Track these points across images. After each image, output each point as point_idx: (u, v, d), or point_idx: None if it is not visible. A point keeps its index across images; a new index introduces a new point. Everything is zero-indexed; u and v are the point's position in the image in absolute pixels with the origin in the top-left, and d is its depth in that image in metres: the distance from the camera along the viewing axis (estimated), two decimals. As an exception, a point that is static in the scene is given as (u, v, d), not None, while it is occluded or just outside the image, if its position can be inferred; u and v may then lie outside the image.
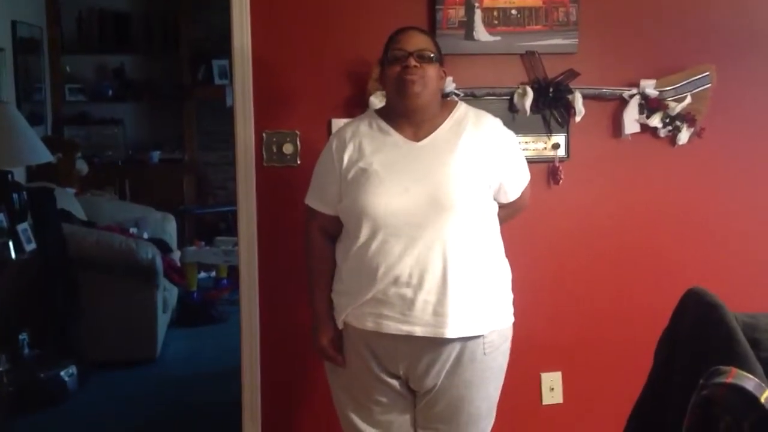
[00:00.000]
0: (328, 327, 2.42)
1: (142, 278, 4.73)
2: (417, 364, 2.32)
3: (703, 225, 3.24)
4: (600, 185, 3.17)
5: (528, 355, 3.13)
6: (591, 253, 3.18)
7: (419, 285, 2.25)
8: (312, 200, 2.46)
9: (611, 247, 3.19)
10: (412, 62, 2.28)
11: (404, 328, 2.27)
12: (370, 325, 2.31)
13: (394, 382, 2.38)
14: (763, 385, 1.45)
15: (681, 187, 3.21)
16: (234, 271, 5.60)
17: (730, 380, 1.46)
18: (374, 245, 2.27)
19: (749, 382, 1.45)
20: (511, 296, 2.45)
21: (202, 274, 6.19)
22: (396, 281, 2.26)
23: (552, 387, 3.21)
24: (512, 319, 2.45)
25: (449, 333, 2.26)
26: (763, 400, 1.50)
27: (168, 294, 5.14)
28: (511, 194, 2.47)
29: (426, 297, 2.25)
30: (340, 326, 2.40)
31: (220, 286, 6.04)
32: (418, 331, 2.26)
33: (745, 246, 3.26)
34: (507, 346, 2.44)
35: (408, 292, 2.25)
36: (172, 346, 5.04)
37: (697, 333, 1.74)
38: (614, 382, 3.17)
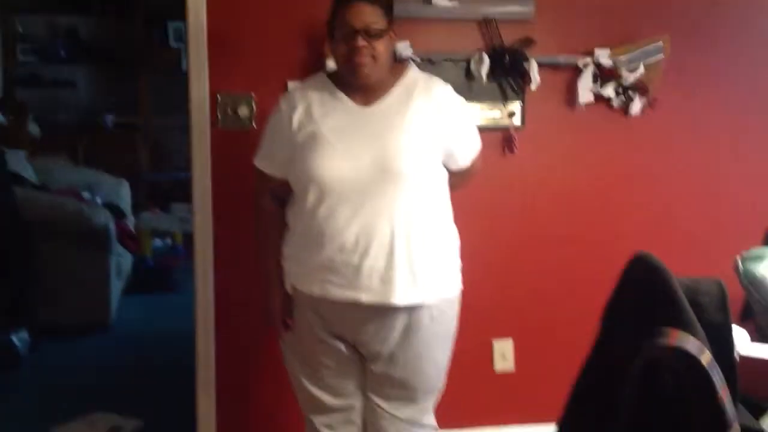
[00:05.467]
0: (278, 291, 2.42)
1: (95, 243, 4.68)
2: (364, 331, 2.33)
3: (652, 193, 3.28)
4: (554, 154, 3.19)
5: (480, 322, 3.17)
6: (543, 221, 3.22)
7: (365, 252, 2.25)
8: (261, 162, 2.44)
9: (563, 215, 3.22)
10: (360, 41, 2.24)
11: (350, 295, 2.27)
12: (316, 290, 2.31)
13: (342, 347, 2.39)
14: (704, 347, 1.48)
15: (633, 156, 3.25)
16: (190, 239, 5.54)
17: (672, 342, 1.49)
18: (321, 211, 2.26)
19: (691, 343, 1.48)
20: (458, 264, 2.46)
21: (158, 242, 6.11)
22: (342, 248, 2.25)
23: (504, 354, 3.24)
24: (460, 286, 2.46)
25: (396, 300, 2.27)
26: (704, 361, 1.53)
27: (122, 260, 5.09)
28: (462, 161, 2.46)
29: (372, 264, 2.25)
30: (289, 291, 2.41)
31: (175, 254, 5.98)
32: (365, 298, 2.27)
33: (691, 213, 3.31)
34: (455, 313, 2.46)
35: (354, 258, 2.25)
36: (126, 312, 4.99)
37: (641, 297, 1.76)
38: (566, 350, 3.18)
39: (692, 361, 1.50)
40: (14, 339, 4.18)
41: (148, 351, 4.44)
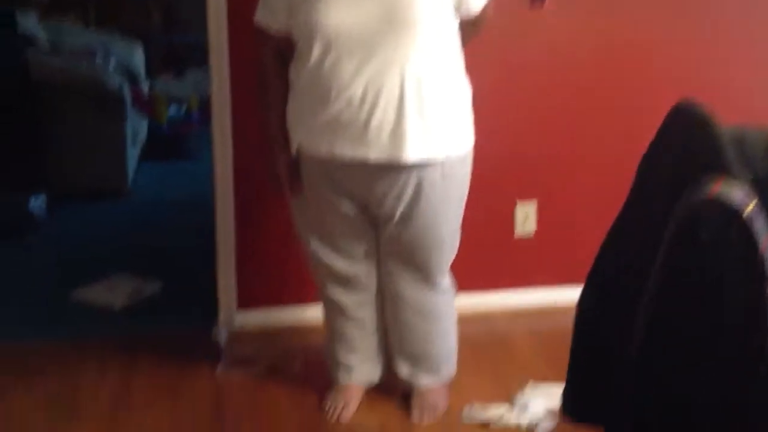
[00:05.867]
0: (283, 153, 2.34)
1: (109, 107, 4.58)
2: (373, 191, 2.27)
3: (697, 37, 3.11)
4: (588, 7, 3.02)
5: (502, 184, 3.11)
6: (575, 79, 3.08)
7: (373, 107, 2.15)
8: (262, 15, 2.31)
9: (596, 73, 3.09)
10: None
11: (358, 153, 2.19)
12: (323, 150, 2.23)
13: (351, 208, 2.33)
14: (748, 196, 1.39)
15: (675, 8, 3.06)
16: (206, 105, 5.43)
17: (714, 192, 1.41)
18: (326, 65, 2.16)
19: (735, 193, 1.39)
20: (471, 118, 2.35)
21: (173, 108, 6.00)
22: (349, 103, 2.16)
23: (526, 216, 3.17)
24: (472, 142, 2.36)
25: (406, 157, 2.18)
26: (745, 214, 1.45)
27: (137, 126, 5.01)
28: (474, 6, 2.31)
29: (381, 119, 2.16)
30: (294, 152, 2.33)
31: (190, 120, 5.88)
32: (373, 155, 2.19)
33: (738, 58, 3.16)
34: (467, 171, 2.37)
35: (361, 114, 2.16)
36: (142, 179, 4.94)
37: (682, 147, 1.66)
38: (590, 212, 3.14)
39: (734, 212, 1.41)
40: (31, 204, 4.15)
41: (166, 217, 4.42)
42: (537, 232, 3.20)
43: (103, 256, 3.86)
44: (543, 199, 3.18)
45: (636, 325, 1.54)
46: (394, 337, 2.55)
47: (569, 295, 3.09)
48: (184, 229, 4.13)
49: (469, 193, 2.44)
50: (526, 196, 3.16)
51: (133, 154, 4.87)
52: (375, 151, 2.18)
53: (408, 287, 2.44)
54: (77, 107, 4.52)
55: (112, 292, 3.40)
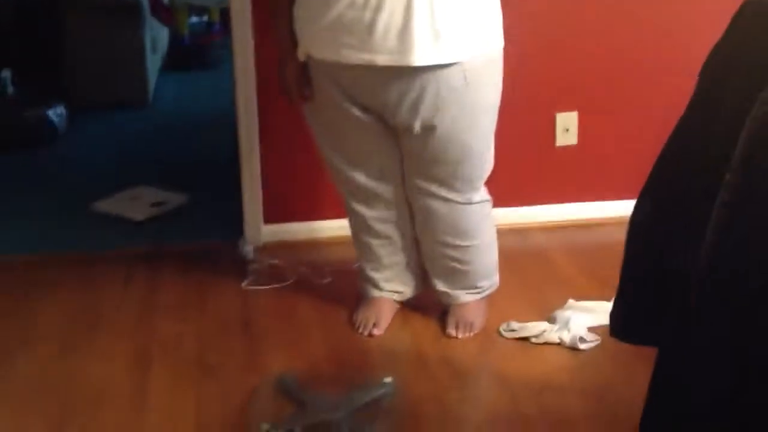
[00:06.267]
0: (292, 59, 2.22)
1: (128, 15, 4.46)
2: (387, 98, 2.13)
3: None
4: None
5: (543, 94, 2.98)
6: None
7: (379, 6, 2.01)
8: None
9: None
10: None
11: (365, 57, 2.06)
12: (329, 55, 2.11)
13: (366, 118, 2.20)
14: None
15: None
16: (227, 16, 5.28)
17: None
18: None
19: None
20: (497, 19, 2.18)
21: (193, 19, 5.87)
22: (353, 3, 2.02)
23: (567, 128, 3.03)
24: (500, 45, 2.20)
25: (416, 61, 2.04)
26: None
27: (157, 35, 4.88)
28: None
29: (388, 20, 2.01)
30: (302, 57, 2.20)
31: (212, 31, 5.74)
32: (380, 60, 2.05)
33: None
34: (495, 77, 2.21)
35: (366, 14, 2.02)
36: (165, 90, 4.84)
37: (755, 47, 1.51)
38: (633, 123, 3.00)
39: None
40: (51, 114, 4.05)
41: (189, 129, 4.32)
42: (577, 144, 3.05)
43: (125, 168, 3.79)
44: (584, 109, 3.02)
45: (704, 235, 1.41)
46: (426, 255, 2.45)
47: (610, 208, 3.04)
48: (208, 141, 4.03)
49: (507, 104, 2.30)
50: (566, 107, 3.01)
51: (154, 64, 4.76)
52: (382, 55, 2.05)
53: (437, 204, 2.30)
54: (94, 15, 4.39)
55: (134, 204, 3.33)
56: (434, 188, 2.29)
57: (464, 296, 2.45)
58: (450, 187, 2.29)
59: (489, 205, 2.41)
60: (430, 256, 2.44)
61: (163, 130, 4.29)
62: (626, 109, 3.02)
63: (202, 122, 4.34)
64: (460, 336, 2.44)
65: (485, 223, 2.42)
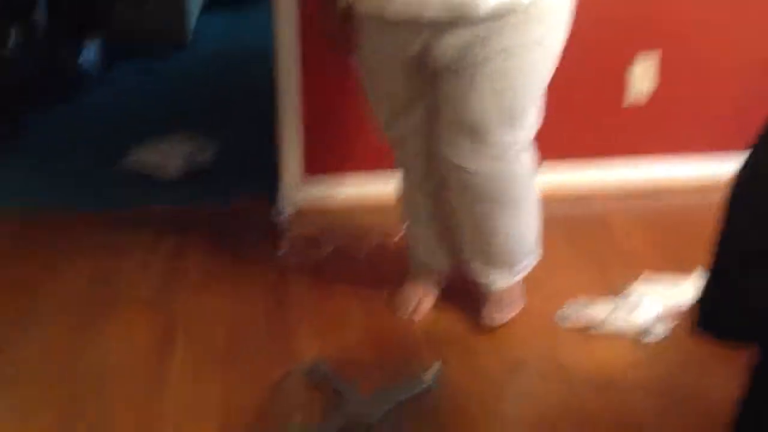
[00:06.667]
0: (333, 9, 2.05)
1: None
2: (433, 50, 1.93)
3: None
4: None
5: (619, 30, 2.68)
6: None
7: None
8: None
9: None
10: None
11: (411, 11, 1.85)
12: (372, 8, 1.93)
13: (413, 72, 2.01)
14: None
15: None
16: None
17: None
18: None
19: None
20: None
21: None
22: None
23: (643, 73, 2.73)
24: None
25: (475, 11, 1.82)
26: None
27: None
28: None
29: None
30: (342, 4, 2.02)
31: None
32: (430, 13, 1.84)
33: None
34: (560, 15, 1.94)
35: None
36: (205, 31, 4.63)
37: None
38: (721, 67, 2.69)
39: None
40: (83, 57, 3.87)
41: (229, 72, 4.12)
42: (654, 94, 2.76)
43: (158, 116, 3.62)
44: (666, 50, 2.73)
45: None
46: (458, 230, 2.20)
47: (693, 169, 2.71)
48: (249, 87, 3.83)
49: (575, 47, 2.01)
50: (646, 46, 2.72)
51: (194, 3, 4.55)
52: (430, 9, 1.84)
53: (473, 163, 2.01)
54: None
55: (172, 151, 3.15)
56: (472, 144, 2.00)
57: (501, 279, 2.22)
58: (490, 143, 2.00)
59: (534, 167, 2.10)
60: (463, 231, 2.19)
61: (201, 74, 4.10)
62: (713, 49, 2.71)
63: (245, 64, 4.13)
64: (496, 322, 2.23)
65: (528, 189, 2.14)
